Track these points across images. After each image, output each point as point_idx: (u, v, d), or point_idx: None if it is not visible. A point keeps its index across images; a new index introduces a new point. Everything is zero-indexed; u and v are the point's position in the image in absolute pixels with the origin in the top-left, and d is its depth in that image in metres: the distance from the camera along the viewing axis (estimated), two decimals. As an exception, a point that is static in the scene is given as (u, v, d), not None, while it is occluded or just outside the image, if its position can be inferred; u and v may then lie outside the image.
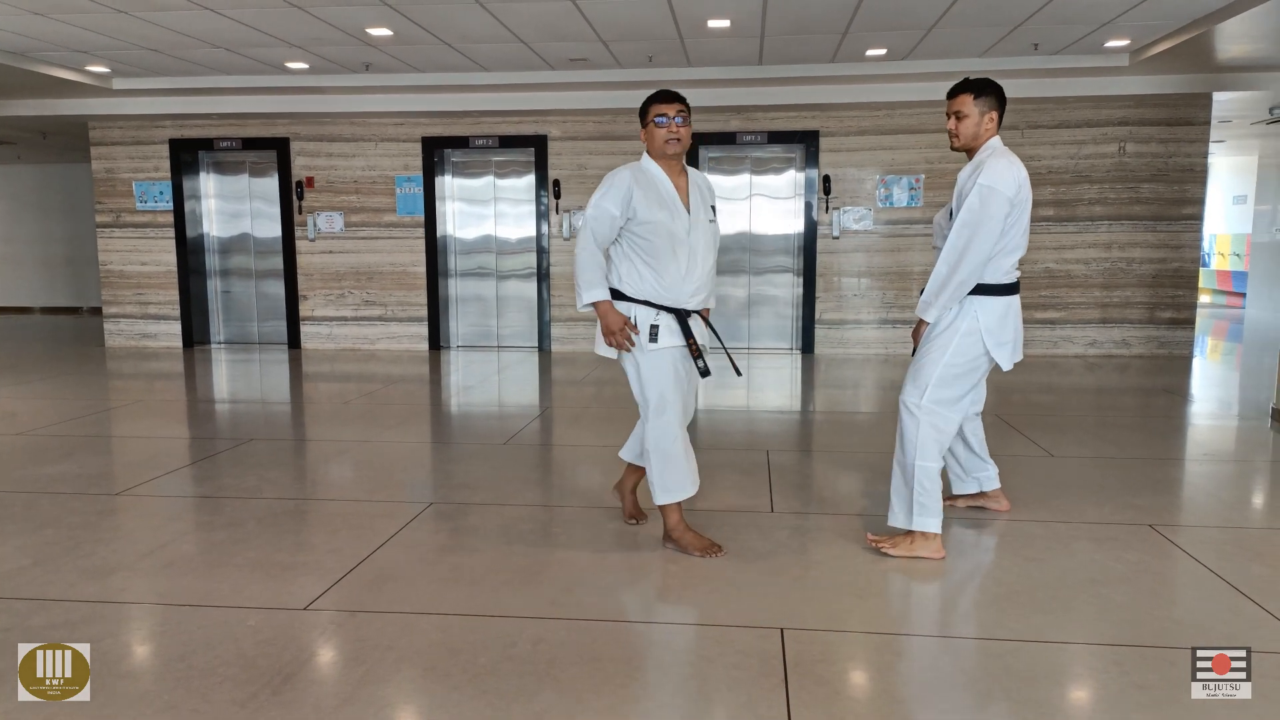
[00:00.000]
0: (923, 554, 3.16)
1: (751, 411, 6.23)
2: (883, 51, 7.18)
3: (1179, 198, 8.32)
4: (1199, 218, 8.41)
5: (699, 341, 3.17)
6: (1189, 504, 3.93)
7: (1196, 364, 8.12)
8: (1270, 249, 12.44)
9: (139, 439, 5.24)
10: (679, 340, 3.12)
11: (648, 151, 3.19)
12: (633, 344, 3.11)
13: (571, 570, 3.10)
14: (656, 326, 3.10)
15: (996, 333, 3.16)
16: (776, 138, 8.64)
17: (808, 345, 8.84)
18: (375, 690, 2.27)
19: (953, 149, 3.28)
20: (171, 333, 9.52)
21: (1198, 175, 8.30)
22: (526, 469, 4.55)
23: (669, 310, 3.12)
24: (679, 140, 3.10)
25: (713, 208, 3.29)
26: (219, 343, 9.84)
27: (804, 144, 8.64)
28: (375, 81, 8.15)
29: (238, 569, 3.10)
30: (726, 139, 8.68)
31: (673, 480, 3.16)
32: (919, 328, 3.26)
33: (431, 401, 6.65)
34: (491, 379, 7.56)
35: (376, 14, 6.03)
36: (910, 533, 3.20)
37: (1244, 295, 13.35)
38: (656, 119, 3.10)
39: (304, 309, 9.39)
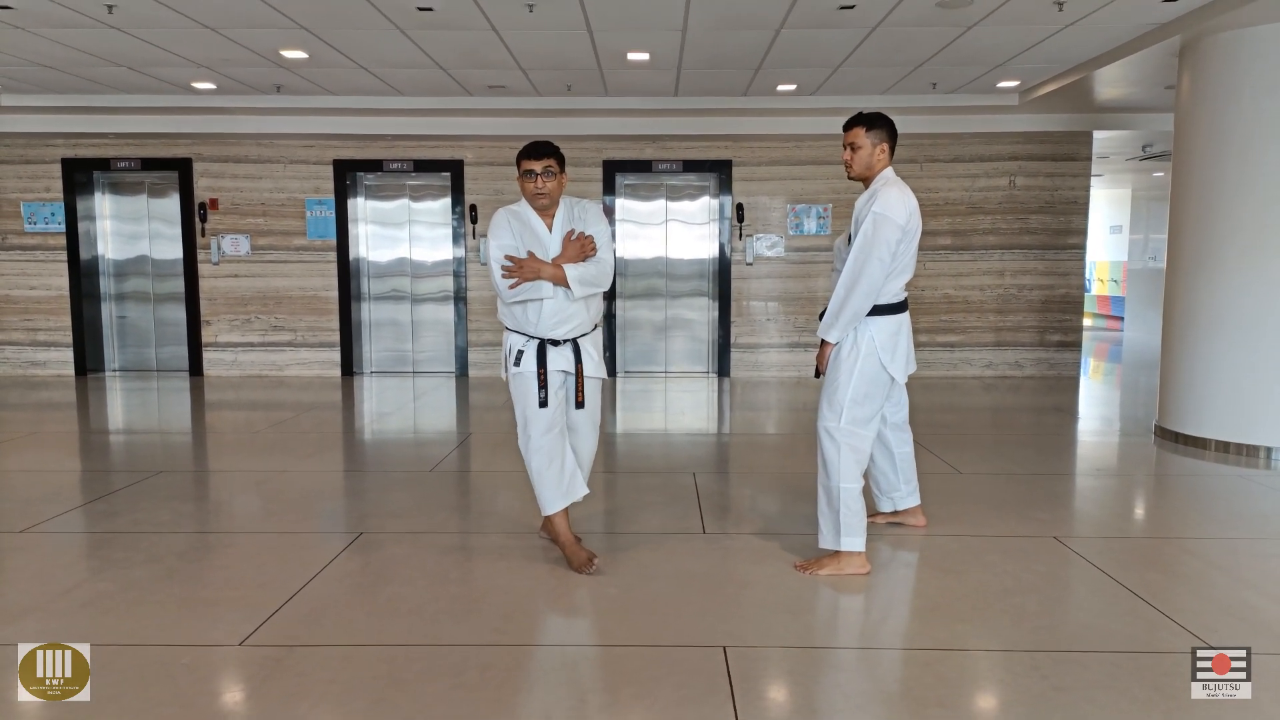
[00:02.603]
0: (849, 571, 3.30)
1: (675, 435, 6.33)
2: (793, 87, 7.48)
3: (1064, 228, 8.88)
4: (1082, 246, 9.00)
5: (561, 369, 3.35)
6: (1087, 516, 4.20)
7: (1083, 384, 8.65)
8: (1144, 275, 13.37)
9: (35, 473, 4.97)
10: (534, 367, 3.31)
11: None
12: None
13: (510, 597, 3.11)
14: (522, 352, 3.33)
15: (890, 349, 3.34)
16: (691, 166, 8.85)
17: (723, 369, 9.04)
18: (324, 725, 2.24)
19: (849, 178, 3.48)
20: (63, 360, 9.04)
21: (1081, 207, 8.88)
22: (454, 496, 4.52)
23: (535, 339, 3.32)
24: (545, 195, 3.28)
25: (606, 237, 3.38)
26: (114, 370, 9.38)
27: (717, 173, 8.88)
28: (285, 103, 8.00)
29: (162, 606, 3.00)
30: (642, 166, 8.84)
31: (541, 494, 3.39)
32: (823, 351, 3.39)
33: (348, 429, 6.52)
34: (409, 405, 7.46)
35: (292, 37, 5.94)
36: (837, 552, 3.33)
37: (1122, 319, 14.28)
38: (525, 173, 3.27)
39: (207, 334, 9.06)
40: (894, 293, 3.35)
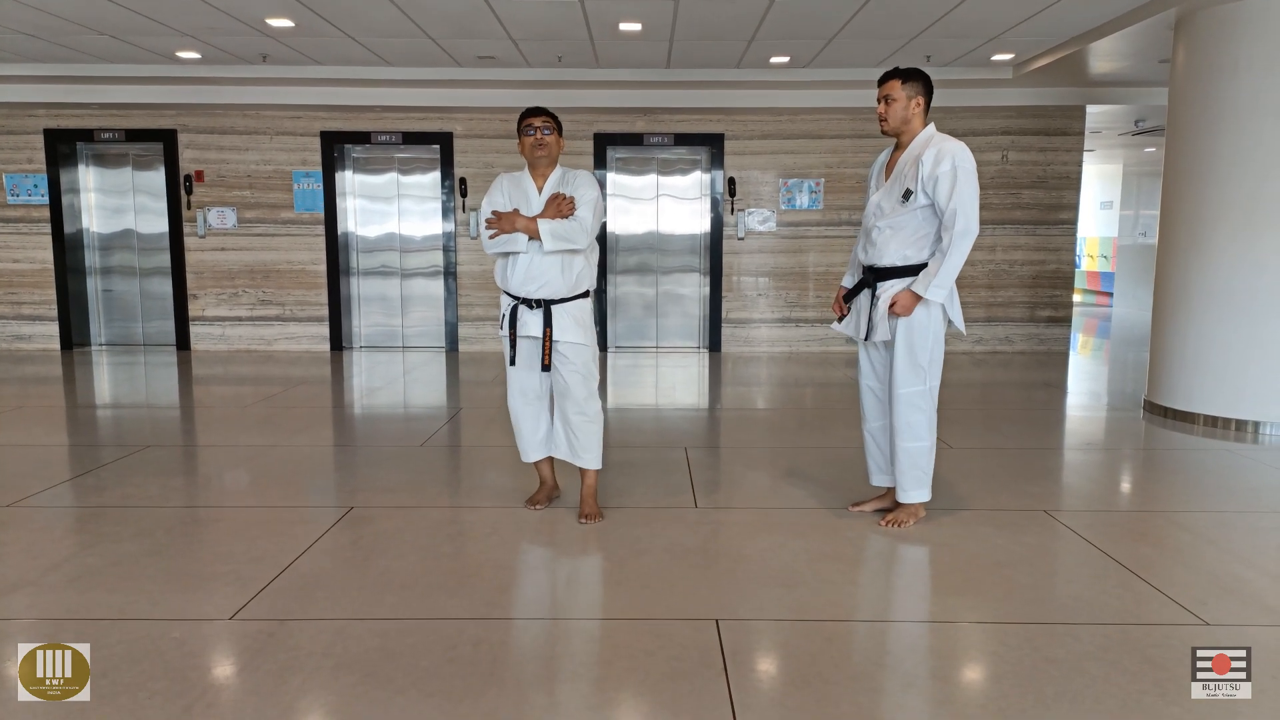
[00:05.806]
0: (919, 516, 3.58)
1: (666, 410, 6.32)
2: (786, 59, 7.40)
3: (1056, 203, 8.87)
4: (1074, 222, 8.99)
5: (530, 334, 3.54)
6: (1077, 490, 4.22)
7: (1072, 359, 8.68)
8: (1134, 251, 13.39)
9: (22, 448, 4.93)
10: (508, 330, 3.58)
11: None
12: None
13: (502, 571, 3.10)
14: (504, 315, 3.59)
15: (953, 302, 3.43)
16: (683, 140, 8.78)
17: (715, 344, 9.02)
18: (317, 698, 2.24)
19: (883, 132, 3.47)
20: (48, 334, 8.96)
21: (1073, 182, 8.86)
22: (446, 471, 4.51)
23: (514, 299, 3.54)
24: (544, 148, 3.50)
25: (589, 199, 3.50)
26: (100, 345, 9.31)
27: (709, 146, 8.81)
28: (272, 73, 7.88)
29: (152, 580, 2.98)
30: (633, 140, 8.76)
31: (518, 443, 3.76)
32: (908, 302, 3.36)
33: (338, 404, 6.49)
34: (399, 380, 7.43)
35: (278, 4, 5.84)
36: (905, 505, 3.56)
37: (1111, 294, 14.32)
38: (525, 129, 3.52)
39: (194, 308, 8.99)
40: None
